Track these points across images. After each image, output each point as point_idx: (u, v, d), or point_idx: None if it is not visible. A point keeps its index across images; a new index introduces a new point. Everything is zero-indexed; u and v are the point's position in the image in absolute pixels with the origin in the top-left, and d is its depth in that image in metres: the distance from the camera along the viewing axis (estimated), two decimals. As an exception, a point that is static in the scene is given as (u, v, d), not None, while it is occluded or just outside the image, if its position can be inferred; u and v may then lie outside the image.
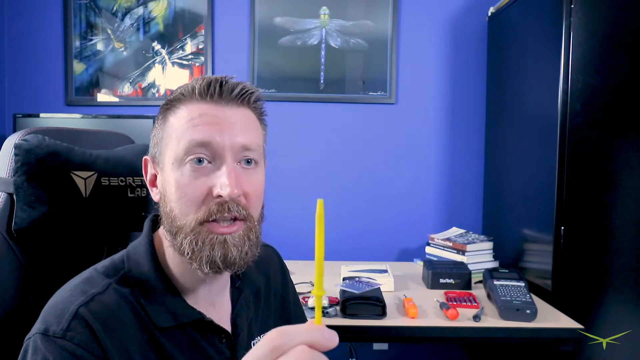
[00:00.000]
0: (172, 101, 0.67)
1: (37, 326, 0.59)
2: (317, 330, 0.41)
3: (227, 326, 0.73)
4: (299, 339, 0.40)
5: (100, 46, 2.20)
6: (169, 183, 0.65)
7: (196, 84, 0.66)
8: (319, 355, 0.40)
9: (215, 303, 0.72)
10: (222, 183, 0.62)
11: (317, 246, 0.42)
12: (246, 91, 0.67)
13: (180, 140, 0.64)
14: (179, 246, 0.64)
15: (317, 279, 0.42)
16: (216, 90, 0.65)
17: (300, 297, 1.09)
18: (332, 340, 0.41)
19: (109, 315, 0.61)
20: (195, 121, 0.64)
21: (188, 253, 0.63)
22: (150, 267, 0.67)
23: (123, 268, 0.67)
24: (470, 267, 1.78)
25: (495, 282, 1.52)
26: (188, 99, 0.66)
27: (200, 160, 0.63)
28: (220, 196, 0.62)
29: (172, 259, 0.68)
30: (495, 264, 1.89)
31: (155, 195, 0.70)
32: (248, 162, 0.66)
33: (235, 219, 0.64)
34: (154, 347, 0.63)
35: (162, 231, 0.70)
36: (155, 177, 0.70)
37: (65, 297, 0.62)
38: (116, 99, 2.22)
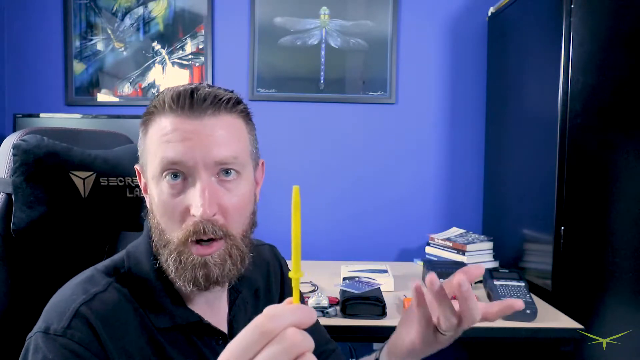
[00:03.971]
0: (148, 113, 0.65)
1: (39, 325, 0.59)
2: (300, 309, 0.42)
3: (224, 327, 0.73)
4: (287, 321, 0.41)
5: (100, 46, 2.20)
6: (153, 197, 0.65)
7: (167, 96, 0.62)
8: (307, 335, 0.41)
9: (213, 305, 0.72)
10: (196, 203, 0.60)
11: (294, 229, 0.44)
12: (220, 99, 0.63)
13: (155, 157, 0.62)
14: (165, 261, 0.64)
15: (294, 261, 0.44)
16: (187, 102, 0.61)
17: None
18: (312, 316, 0.42)
19: (110, 314, 0.61)
20: (167, 137, 0.61)
21: (172, 271, 0.63)
22: (150, 267, 0.67)
23: (123, 267, 0.68)
24: (470, 267, 1.77)
25: (495, 282, 1.51)
26: (160, 112, 0.63)
27: (176, 175, 0.61)
28: (194, 216, 0.61)
29: None
30: (495, 264, 1.89)
31: (148, 203, 0.70)
32: (227, 172, 0.63)
33: (213, 240, 0.62)
34: (153, 346, 0.63)
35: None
36: (146, 185, 0.70)
37: (67, 295, 0.62)
38: (116, 99, 2.22)
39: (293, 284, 0.44)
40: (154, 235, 0.66)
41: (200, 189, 0.60)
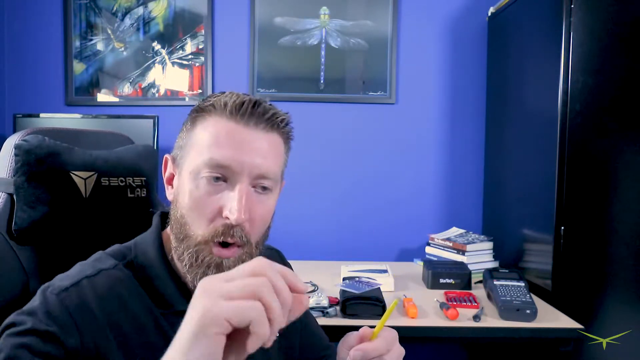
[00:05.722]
0: (202, 110, 0.68)
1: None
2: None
3: None
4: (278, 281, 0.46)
5: (100, 46, 2.20)
6: (184, 191, 0.67)
7: (229, 100, 0.66)
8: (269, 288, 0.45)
9: None
10: (232, 207, 0.63)
11: (382, 320, 0.68)
12: (276, 117, 0.67)
13: (202, 154, 0.65)
14: (180, 254, 0.66)
15: (379, 324, 0.67)
16: (247, 111, 0.65)
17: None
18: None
19: (108, 290, 0.63)
20: (220, 139, 0.65)
21: (186, 265, 0.66)
22: (156, 256, 0.69)
23: (130, 254, 0.70)
24: (470, 267, 1.78)
25: (495, 282, 1.52)
26: (219, 113, 0.66)
27: (217, 179, 0.64)
28: (227, 218, 0.63)
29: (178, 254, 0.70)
30: (495, 264, 1.89)
31: (169, 194, 0.72)
32: (263, 188, 0.67)
33: (233, 244, 0.66)
34: (154, 326, 0.65)
35: (170, 229, 0.72)
36: (172, 176, 0.72)
37: (76, 269, 0.66)
38: (116, 99, 2.22)
39: (375, 330, 0.68)
40: (174, 228, 0.68)
41: (239, 194, 0.64)
